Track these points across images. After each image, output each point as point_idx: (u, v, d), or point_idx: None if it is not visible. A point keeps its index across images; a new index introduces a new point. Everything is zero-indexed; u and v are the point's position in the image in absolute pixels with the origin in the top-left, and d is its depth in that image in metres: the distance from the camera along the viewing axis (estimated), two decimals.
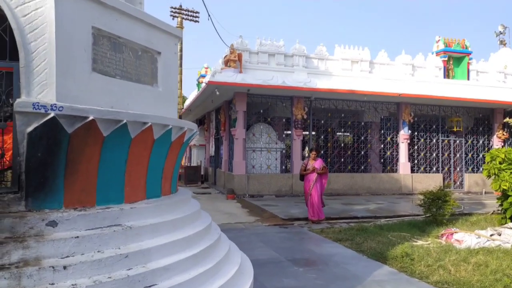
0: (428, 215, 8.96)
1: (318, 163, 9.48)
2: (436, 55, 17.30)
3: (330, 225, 9.45)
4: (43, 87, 2.24)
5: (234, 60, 14.21)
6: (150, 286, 2.32)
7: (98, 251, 2.28)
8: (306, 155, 9.61)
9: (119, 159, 2.60)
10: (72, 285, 2.05)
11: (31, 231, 2.15)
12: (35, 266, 2.03)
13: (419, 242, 7.12)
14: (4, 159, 2.27)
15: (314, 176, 9.38)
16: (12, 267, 1.99)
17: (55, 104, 2.19)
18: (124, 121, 2.49)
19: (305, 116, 15.37)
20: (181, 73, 22.46)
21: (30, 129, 2.14)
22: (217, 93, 13.67)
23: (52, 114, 2.16)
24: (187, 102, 23.56)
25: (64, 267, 2.09)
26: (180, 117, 22.48)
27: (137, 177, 2.77)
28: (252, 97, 14.88)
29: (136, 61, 2.94)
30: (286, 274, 5.64)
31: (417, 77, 16.64)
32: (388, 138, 16.67)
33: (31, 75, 2.21)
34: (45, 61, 2.23)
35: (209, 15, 22.44)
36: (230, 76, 13.56)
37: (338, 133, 16.45)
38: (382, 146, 16.73)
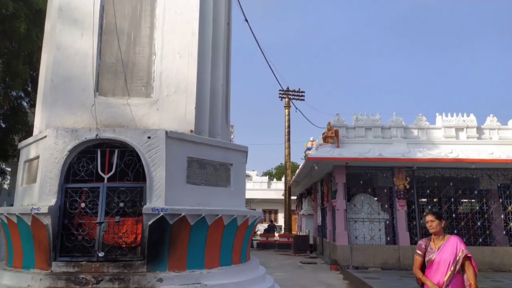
0: None
1: (451, 244, 4.06)
2: None
3: None
4: (158, 197, 3.91)
5: (331, 136, 15.46)
6: None
7: None
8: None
9: (201, 239, 4.07)
10: None
11: (148, 284, 3.68)
12: None
13: None
14: (138, 239, 3.94)
15: (445, 276, 3.88)
16: None
17: (163, 207, 3.82)
18: (203, 215, 4.00)
19: (407, 186, 15.36)
20: (289, 148, 24.54)
21: (149, 222, 3.78)
22: (316, 167, 14.91)
23: (161, 214, 3.78)
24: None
25: None
26: (289, 188, 24.08)
27: (213, 251, 4.18)
28: (351, 169, 15.64)
29: (215, 172, 4.52)
30: None
31: None
32: (509, 208, 15.33)
33: (152, 191, 3.91)
34: (160, 182, 3.93)
35: (296, 109, 24.86)
36: (327, 152, 14.75)
37: (447, 203, 15.75)
38: (502, 216, 15.40)
